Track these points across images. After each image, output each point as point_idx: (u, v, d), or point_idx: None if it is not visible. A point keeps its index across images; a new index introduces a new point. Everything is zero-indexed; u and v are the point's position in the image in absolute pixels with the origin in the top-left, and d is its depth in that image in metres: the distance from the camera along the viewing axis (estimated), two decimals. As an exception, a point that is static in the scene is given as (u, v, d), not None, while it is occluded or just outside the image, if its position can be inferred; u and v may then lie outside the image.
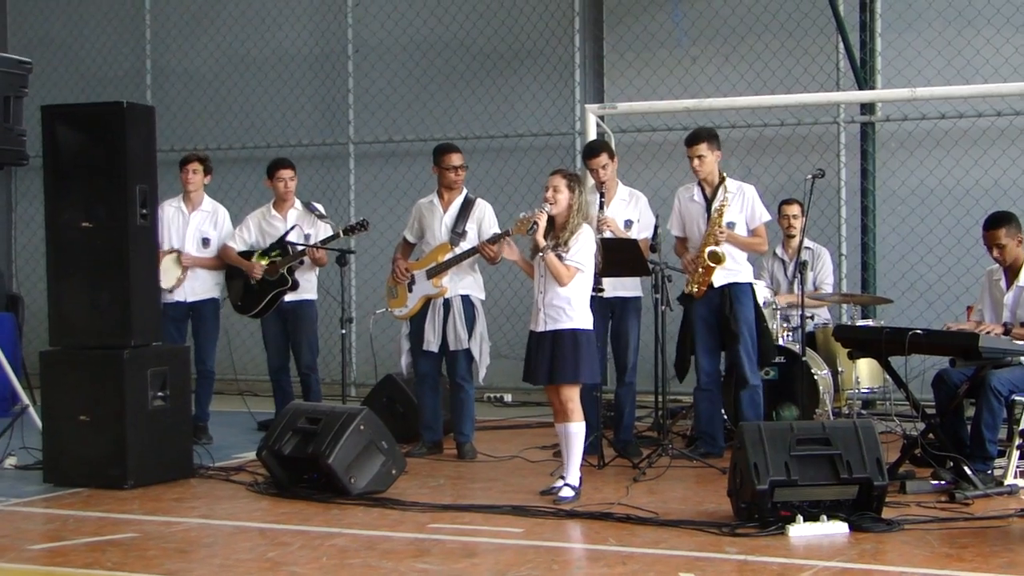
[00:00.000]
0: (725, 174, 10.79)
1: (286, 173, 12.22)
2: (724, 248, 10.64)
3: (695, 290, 10.78)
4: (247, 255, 12.09)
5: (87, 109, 10.79)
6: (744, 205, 10.82)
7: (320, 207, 12.34)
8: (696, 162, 10.76)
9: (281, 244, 12.02)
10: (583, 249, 9.26)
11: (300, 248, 11.90)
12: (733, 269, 10.77)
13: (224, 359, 14.88)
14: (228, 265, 12.34)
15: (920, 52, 13.87)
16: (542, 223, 9.20)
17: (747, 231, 10.84)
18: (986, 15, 13.64)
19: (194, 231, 12.27)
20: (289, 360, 12.31)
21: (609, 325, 10.99)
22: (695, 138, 10.81)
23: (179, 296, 12.10)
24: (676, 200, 11.10)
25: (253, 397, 13.98)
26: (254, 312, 12.12)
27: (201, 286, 12.28)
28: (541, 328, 9.29)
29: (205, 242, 12.30)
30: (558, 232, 9.24)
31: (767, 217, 11.02)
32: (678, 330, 11.27)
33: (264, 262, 11.94)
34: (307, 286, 12.12)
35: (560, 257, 9.16)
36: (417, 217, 11.37)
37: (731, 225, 10.73)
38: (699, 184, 10.87)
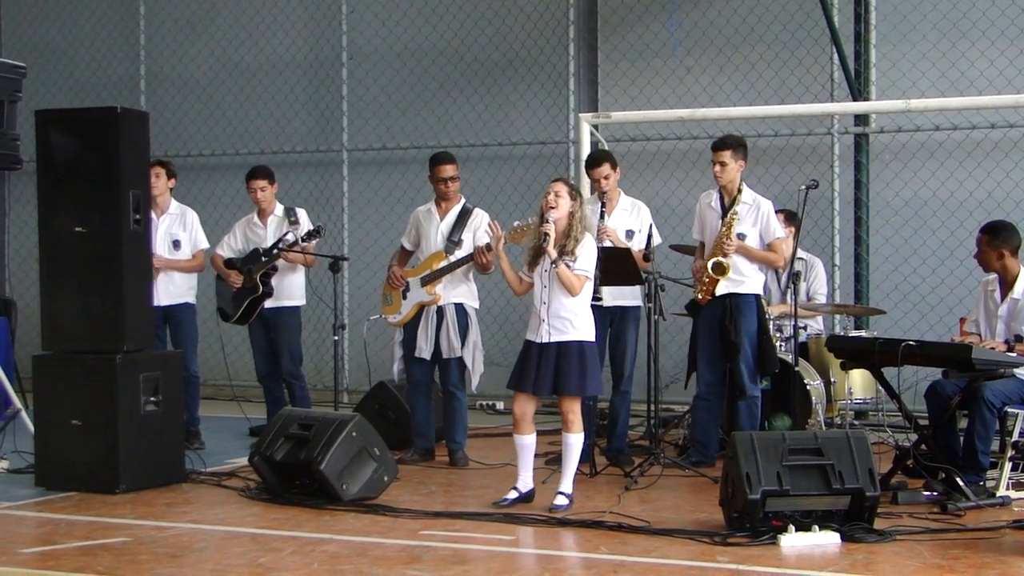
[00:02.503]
0: (744, 185, 10.81)
1: (256, 184, 12.24)
2: (735, 259, 10.65)
3: (699, 297, 10.82)
4: (233, 263, 12.13)
5: (81, 114, 10.77)
6: (759, 219, 10.81)
7: (300, 213, 12.30)
8: (717, 168, 10.78)
9: (256, 255, 12.09)
10: (590, 258, 9.24)
11: (266, 257, 11.94)
12: (736, 280, 10.75)
13: (217, 364, 14.90)
14: (203, 268, 12.55)
15: (914, 64, 13.89)
16: (553, 232, 9.15)
17: (761, 245, 10.83)
18: (980, 27, 13.65)
19: (164, 234, 12.27)
20: (277, 367, 12.31)
21: (608, 334, 11.00)
22: (721, 144, 10.85)
23: (153, 300, 12.07)
24: (698, 205, 11.14)
25: (246, 403, 13.92)
26: (233, 320, 12.20)
27: (176, 290, 12.30)
28: (544, 339, 9.18)
29: (176, 244, 12.33)
30: (561, 240, 9.17)
31: (781, 233, 11.01)
32: (689, 339, 11.27)
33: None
34: (288, 292, 12.13)
35: (568, 267, 9.14)
36: (414, 224, 11.38)
37: (741, 237, 10.73)
38: (719, 191, 10.89)
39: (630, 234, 11.04)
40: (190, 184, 16.14)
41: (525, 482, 9.35)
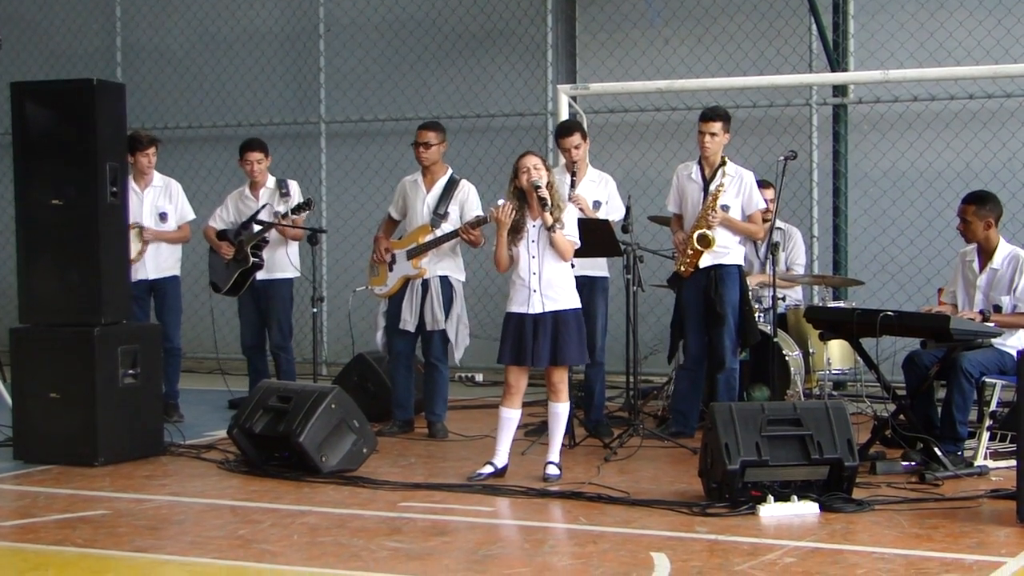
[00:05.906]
0: (727, 158, 10.77)
1: (253, 156, 12.19)
2: (718, 231, 10.61)
3: (682, 269, 10.77)
4: (225, 234, 12.10)
5: (57, 86, 10.75)
6: (741, 190, 10.76)
7: (291, 184, 12.28)
8: (707, 138, 10.69)
9: (246, 224, 12.04)
10: (575, 223, 9.24)
11: (259, 228, 11.91)
12: (720, 251, 10.70)
13: (196, 337, 14.88)
14: (189, 239, 12.50)
15: (893, 34, 13.88)
16: (550, 199, 9.05)
17: (742, 217, 10.80)
18: (959, -3, 13.67)
19: (150, 207, 12.22)
20: (263, 339, 12.30)
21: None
22: (714, 115, 10.77)
23: (140, 274, 12.01)
24: (675, 177, 11.05)
25: (228, 375, 13.88)
26: (224, 291, 12.16)
27: (163, 263, 12.26)
28: (538, 310, 9.07)
29: (163, 216, 12.28)
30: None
31: (763, 205, 11.00)
32: (672, 313, 11.22)
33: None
34: (280, 264, 12.09)
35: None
36: (401, 194, 11.33)
37: (725, 208, 10.68)
38: (699, 163, 10.84)
39: (597, 205, 10.98)
40: (167, 156, 15.99)
41: (502, 457, 9.31)
